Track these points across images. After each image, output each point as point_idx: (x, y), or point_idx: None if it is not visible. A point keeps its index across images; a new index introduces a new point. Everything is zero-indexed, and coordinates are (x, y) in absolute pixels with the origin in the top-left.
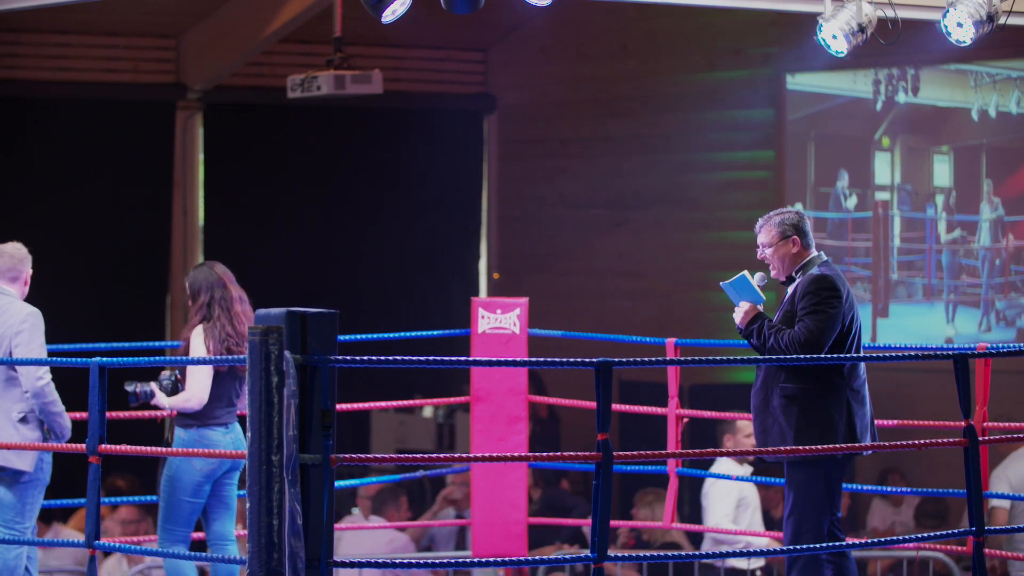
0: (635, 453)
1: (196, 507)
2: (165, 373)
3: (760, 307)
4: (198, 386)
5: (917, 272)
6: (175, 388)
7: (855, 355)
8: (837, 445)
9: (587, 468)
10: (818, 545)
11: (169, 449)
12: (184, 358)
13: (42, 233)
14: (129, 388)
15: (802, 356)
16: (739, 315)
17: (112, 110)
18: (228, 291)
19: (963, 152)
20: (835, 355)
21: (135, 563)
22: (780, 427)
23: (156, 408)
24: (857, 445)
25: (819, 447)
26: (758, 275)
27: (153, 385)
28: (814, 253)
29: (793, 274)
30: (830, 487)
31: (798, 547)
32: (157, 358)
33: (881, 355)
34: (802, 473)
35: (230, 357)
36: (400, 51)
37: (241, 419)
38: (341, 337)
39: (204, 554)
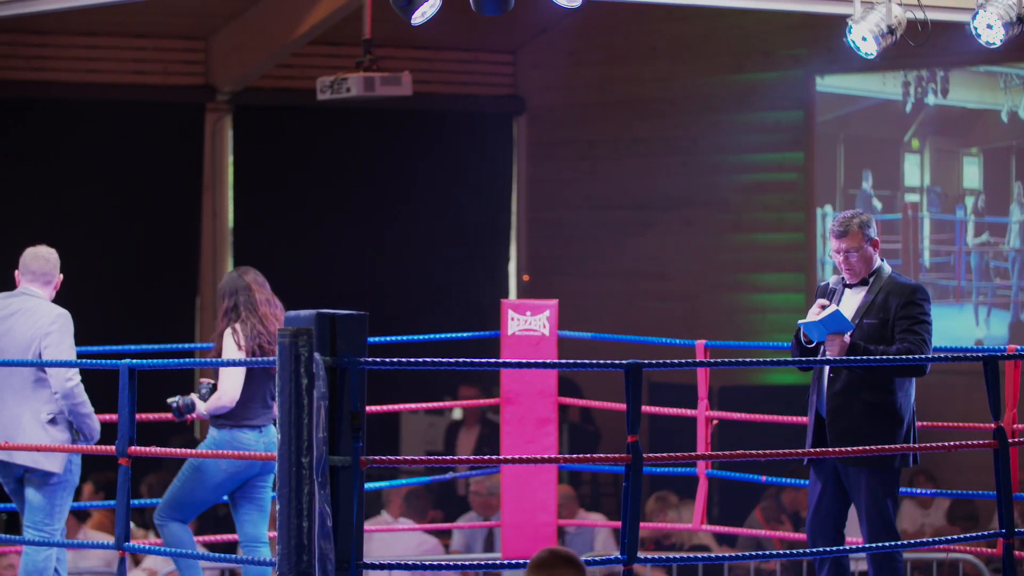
0: (664, 455)
1: (210, 501)
2: (203, 382)
3: (848, 336)
4: (229, 383)
5: (947, 274)
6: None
7: (936, 355)
8: (899, 446)
9: (617, 470)
10: (855, 547)
11: (198, 451)
12: (216, 360)
13: (72, 235)
14: (171, 402)
15: (875, 358)
16: (834, 349)
17: (141, 112)
18: (253, 295)
19: (993, 154)
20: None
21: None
22: (862, 433)
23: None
24: (904, 446)
25: (854, 448)
26: (833, 278)
27: (193, 396)
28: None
29: (867, 277)
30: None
31: (863, 546)
32: (186, 360)
33: (911, 357)
34: (884, 477)
35: (263, 359)
36: (429, 53)
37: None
38: (370, 339)
39: (234, 555)
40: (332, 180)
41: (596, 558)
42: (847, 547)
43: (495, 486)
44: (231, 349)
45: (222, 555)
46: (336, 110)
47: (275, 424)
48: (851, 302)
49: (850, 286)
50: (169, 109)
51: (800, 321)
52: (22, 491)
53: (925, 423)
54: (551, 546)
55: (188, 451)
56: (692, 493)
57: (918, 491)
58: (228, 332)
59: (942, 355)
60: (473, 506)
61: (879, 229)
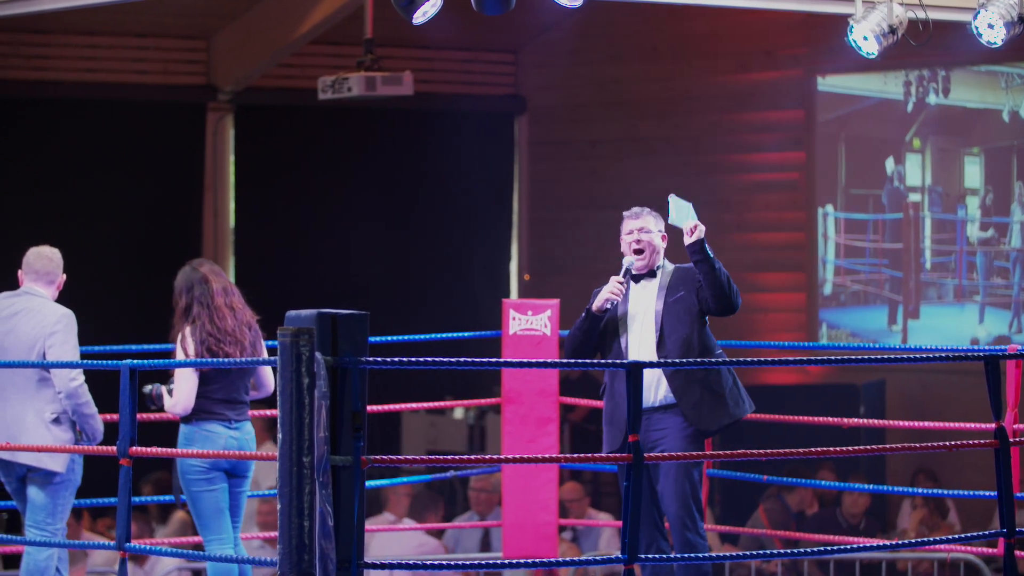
0: (666, 455)
1: (217, 495)
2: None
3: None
4: (180, 392)
5: (948, 273)
6: None
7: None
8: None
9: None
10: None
11: (199, 451)
12: (207, 360)
13: (73, 235)
14: (146, 390)
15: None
16: (700, 231)
17: (142, 112)
18: (209, 286)
19: (994, 153)
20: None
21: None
22: (707, 415)
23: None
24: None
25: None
26: (628, 259)
27: (163, 388)
28: None
29: (655, 268)
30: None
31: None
32: (187, 359)
33: (912, 356)
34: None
35: (254, 359)
36: (431, 52)
37: (272, 420)
38: (372, 338)
39: (229, 555)
40: (333, 180)
41: (597, 557)
42: (837, 546)
43: (498, 483)
44: (181, 357)
45: (195, 552)
46: (337, 110)
47: (271, 423)
48: (645, 291)
49: (636, 279)
50: (170, 109)
51: (673, 195)
52: (24, 490)
53: (925, 423)
54: None
55: (189, 451)
56: None
57: (920, 491)
58: (178, 340)
59: (944, 354)
60: (472, 503)
61: (882, 228)
